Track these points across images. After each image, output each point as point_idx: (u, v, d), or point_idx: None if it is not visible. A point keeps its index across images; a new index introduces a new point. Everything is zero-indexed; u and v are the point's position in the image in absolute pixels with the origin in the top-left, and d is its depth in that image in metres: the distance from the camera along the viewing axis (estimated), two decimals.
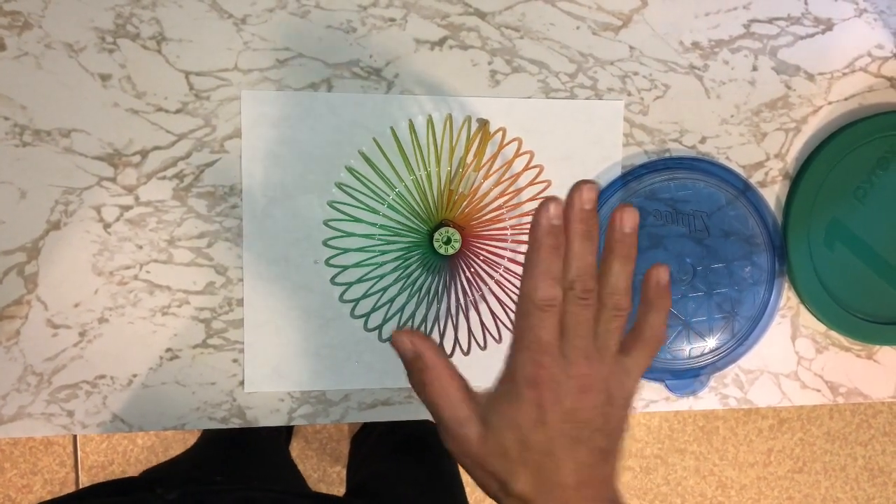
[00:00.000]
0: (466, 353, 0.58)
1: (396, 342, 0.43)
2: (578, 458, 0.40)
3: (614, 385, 0.43)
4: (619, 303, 0.43)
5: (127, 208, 0.54)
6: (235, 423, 0.57)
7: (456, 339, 0.58)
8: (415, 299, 0.57)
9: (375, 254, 0.56)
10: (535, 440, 0.40)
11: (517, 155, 0.57)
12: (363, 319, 0.57)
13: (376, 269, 0.57)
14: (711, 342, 0.61)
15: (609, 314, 0.43)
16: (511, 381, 0.41)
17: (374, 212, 0.56)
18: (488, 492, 0.43)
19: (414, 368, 0.43)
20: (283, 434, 1.36)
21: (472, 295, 0.57)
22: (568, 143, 0.59)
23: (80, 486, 1.46)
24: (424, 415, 0.60)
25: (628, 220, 0.43)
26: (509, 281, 0.58)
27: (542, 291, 0.41)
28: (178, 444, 1.47)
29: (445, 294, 0.57)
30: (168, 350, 0.56)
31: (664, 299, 0.46)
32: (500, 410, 0.41)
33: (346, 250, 0.56)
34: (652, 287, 0.46)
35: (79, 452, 1.45)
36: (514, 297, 0.58)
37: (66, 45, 0.52)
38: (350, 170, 0.56)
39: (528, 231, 0.58)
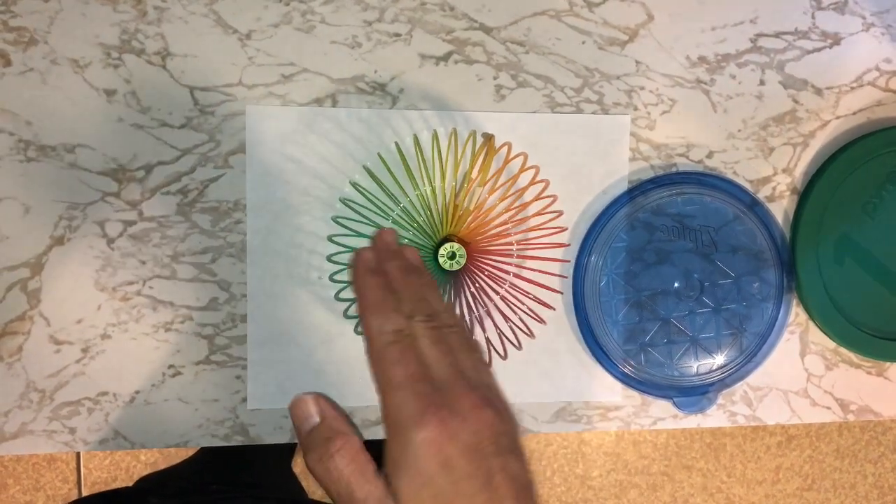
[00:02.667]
0: None
1: (296, 406, 0.38)
2: (506, 495, 0.35)
3: (500, 399, 0.39)
4: (445, 321, 0.40)
5: (130, 224, 0.54)
6: (238, 440, 0.57)
7: None
8: None
9: None
10: (455, 491, 0.34)
11: (522, 170, 0.57)
12: None
13: None
14: (719, 359, 0.60)
15: (445, 332, 0.40)
16: (397, 440, 0.36)
17: (379, 227, 0.55)
18: None
19: (318, 439, 0.38)
20: (286, 449, 1.35)
21: (477, 311, 0.57)
22: (574, 158, 0.58)
23: None
24: None
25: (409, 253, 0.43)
26: (514, 297, 0.57)
27: (387, 323, 0.38)
28: (180, 460, 1.46)
29: None
30: (171, 366, 0.56)
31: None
32: (406, 475, 0.35)
33: (350, 266, 0.56)
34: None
35: (82, 469, 1.45)
36: (520, 313, 0.58)
37: (71, 61, 0.52)
38: (355, 185, 0.56)
39: (534, 246, 0.58)
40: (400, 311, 0.39)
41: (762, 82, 0.60)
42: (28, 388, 0.55)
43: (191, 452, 1.45)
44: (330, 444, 0.37)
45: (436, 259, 0.55)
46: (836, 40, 0.60)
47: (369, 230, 0.56)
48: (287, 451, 1.36)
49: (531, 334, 0.59)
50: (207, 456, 0.98)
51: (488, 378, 0.39)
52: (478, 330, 0.57)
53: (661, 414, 0.62)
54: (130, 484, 1.45)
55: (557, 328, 0.60)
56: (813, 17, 0.60)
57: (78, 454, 1.44)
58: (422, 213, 0.55)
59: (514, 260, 0.57)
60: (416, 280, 0.41)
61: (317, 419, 0.38)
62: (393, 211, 0.55)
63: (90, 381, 0.55)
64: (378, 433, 0.58)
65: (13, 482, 1.43)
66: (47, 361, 0.55)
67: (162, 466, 1.46)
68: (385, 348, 0.38)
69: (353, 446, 0.38)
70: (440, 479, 0.34)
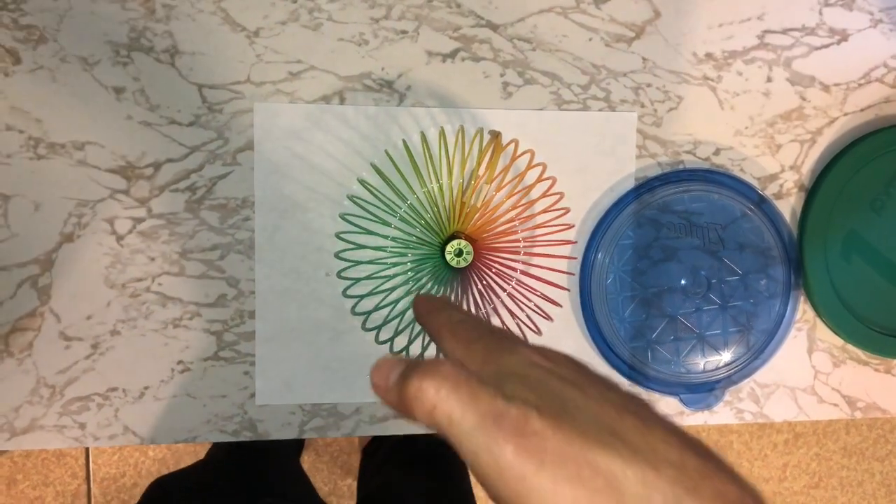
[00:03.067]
0: None
1: (377, 370, 0.35)
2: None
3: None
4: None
5: (139, 220, 0.55)
6: (246, 436, 0.57)
7: None
8: None
9: (387, 266, 0.56)
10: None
11: (529, 167, 0.57)
12: (374, 332, 0.57)
13: (388, 281, 0.56)
14: (726, 356, 0.60)
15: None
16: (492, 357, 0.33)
17: (386, 224, 0.56)
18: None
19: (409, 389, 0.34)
20: (294, 445, 1.35)
21: (484, 308, 0.57)
22: (581, 155, 0.58)
23: (92, 498, 1.46)
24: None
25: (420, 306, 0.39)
26: (521, 293, 0.58)
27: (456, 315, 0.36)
28: (189, 455, 1.47)
29: None
30: (179, 362, 0.56)
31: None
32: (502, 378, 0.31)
33: (357, 263, 0.56)
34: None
35: (91, 464, 1.45)
36: (527, 310, 0.58)
37: (80, 59, 0.53)
38: (362, 182, 0.56)
39: (541, 243, 0.58)
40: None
41: (769, 79, 0.60)
42: (38, 384, 0.55)
43: (201, 454, 1.46)
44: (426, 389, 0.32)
45: (443, 256, 0.55)
46: (843, 36, 0.60)
47: (377, 227, 0.56)
48: (295, 448, 1.37)
49: (538, 331, 0.59)
50: (219, 457, 0.99)
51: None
52: None
53: (668, 411, 0.62)
54: (138, 480, 1.46)
55: (564, 325, 0.60)
56: (820, 13, 0.60)
57: (87, 450, 1.45)
58: (429, 210, 0.55)
59: (521, 257, 0.57)
60: (438, 311, 0.39)
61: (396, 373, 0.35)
62: (400, 208, 0.55)
63: (100, 376, 0.56)
64: (386, 429, 0.59)
65: (23, 477, 1.44)
66: (57, 357, 0.55)
67: (170, 462, 1.47)
68: (458, 325, 0.36)
69: (446, 375, 0.32)
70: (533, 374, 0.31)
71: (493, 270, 0.57)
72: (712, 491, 0.28)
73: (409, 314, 0.57)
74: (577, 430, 0.28)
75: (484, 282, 0.57)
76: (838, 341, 0.63)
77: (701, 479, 0.28)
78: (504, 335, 0.34)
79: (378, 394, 0.34)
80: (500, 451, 0.28)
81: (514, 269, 0.57)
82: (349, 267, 0.56)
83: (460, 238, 0.55)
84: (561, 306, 0.59)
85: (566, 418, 0.29)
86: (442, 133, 0.56)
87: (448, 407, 0.30)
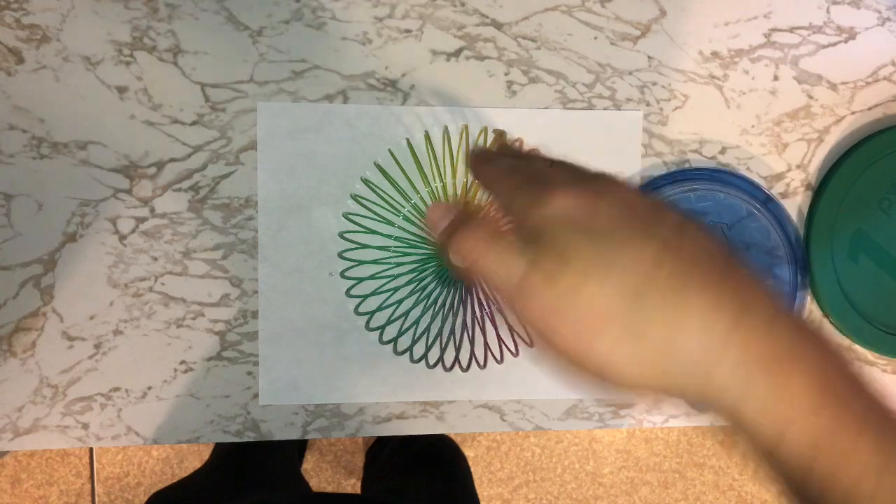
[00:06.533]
0: (483, 367, 0.58)
1: (432, 211, 0.39)
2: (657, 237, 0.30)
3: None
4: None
5: (142, 220, 0.54)
6: (250, 436, 0.57)
7: (472, 353, 0.57)
8: (430, 312, 0.57)
9: (391, 266, 0.56)
10: (597, 226, 0.31)
11: None
12: (378, 332, 0.57)
13: (391, 280, 0.56)
14: None
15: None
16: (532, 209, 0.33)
17: (390, 223, 0.55)
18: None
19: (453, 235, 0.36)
20: (296, 451, 1.35)
21: (489, 307, 0.57)
22: (586, 154, 0.58)
23: (96, 497, 1.46)
24: (440, 428, 0.59)
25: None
26: None
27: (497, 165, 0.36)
28: (192, 455, 1.47)
29: (461, 307, 0.57)
30: (182, 362, 0.56)
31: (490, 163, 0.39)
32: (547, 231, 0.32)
33: (361, 262, 0.56)
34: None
35: (95, 464, 1.46)
36: None
37: (83, 58, 0.53)
38: (366, 181, 0.56)
39: None
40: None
41: (776, 77, 0.59)
42: (41, 384, 0.55)
43: (204, 454, 1.46)
44: (467, 235, 0.35)
45: (447, 255, 0.55)
46: (851, 35, 0.60)
47: (380, 226, 0.56)
48: (297, 452, 1.36)
49: None
50: (219, 459, 0.99)
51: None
52: (489, 327, 0.57)
53: (674, 411, 0.61)
54: (142, 479, 1.46)
55: None
56: (828, 11, 0.59)
57: (91, 449, 1.45)
58: None
59: None
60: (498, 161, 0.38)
61: (445, 220, 0.38)
62: (404, 207, 0.55)
63: (103, 376, 0.55)
64: (390, 429, 0.58)
65: (27, 477, 1.44)
66: (60, 357, 0.55)
67: (174, 462, 1.47)
68: (498, 179, 0.36)
69: (485, 228, 0.35)
70: (583, 220, 0.31)
71: None
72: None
73: (413, 314, 0.57)
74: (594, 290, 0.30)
75: None
76: (845, 341, 0.63)
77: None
78: (546, 179, 0.34)
79: (429, 227, 0.41)
80: (520, 309, 0.32)
81: None
82: (352, 266, 0.56)
83: None
84: None
85: (586, 281, 0.30)
86: (446, 132, 0.56)
87: (483, 266, 0.34)
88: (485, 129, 0.56)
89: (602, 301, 0.30)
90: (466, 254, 0.35)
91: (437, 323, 0.57)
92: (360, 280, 0.56)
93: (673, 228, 0.31)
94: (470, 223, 0.35)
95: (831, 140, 0.61)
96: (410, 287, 0.56)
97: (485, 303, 0.57)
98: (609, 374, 0.31)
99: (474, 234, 0.35)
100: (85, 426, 0.56)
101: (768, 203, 0.59)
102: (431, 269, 0.56)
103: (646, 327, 0.29)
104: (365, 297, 0.56)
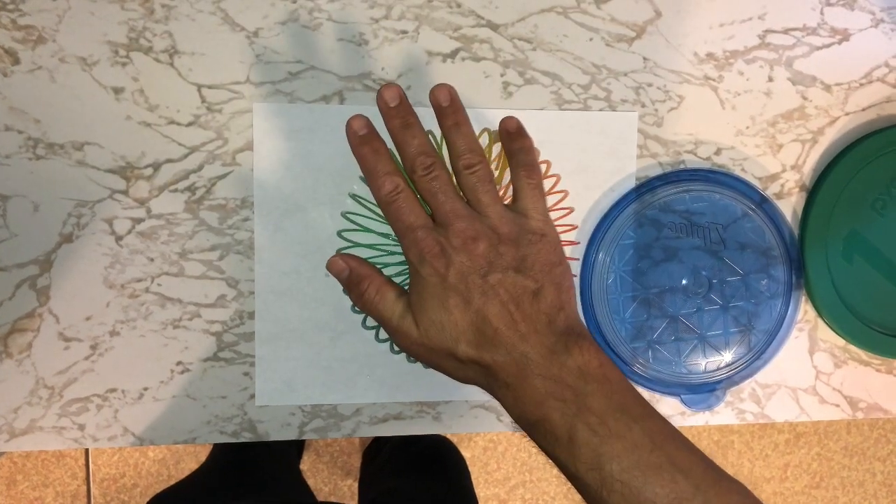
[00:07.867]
0: None
1: (332, 265, 0.51)
2: (500, 301, 0.45)
3: (507, 228, 0.48)
4: (468, 162, 0.50)
5: (139, 221, 0.54)
6: (246, 437, 0.57)
7: None
8: None
9: (387, 265, 0.56)
10: (451, 304, 0.45)
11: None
12: (374, 330, 0.57)
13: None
14: (727, 356, 0.60)
15: (464, 175, 0.49)
16: (412, 271, 0.48)
17: (387, 223, 0.55)
18: (450, 373, 0.48)
19: (352, 284, 0.50)
20: (294, 450, 1.35)
21: None
22: (581, 155, 0.58)
23: (92, 499, 1.46)
24: (437, 429, 0.59)
25: (441, 95, 0.51)
26: None
27: (384, 186, 0.48)
28: (189, 456, 1.47)
29: None
30: (179, 363, 0.56)
31: (520, 140, 0.53)
32: (416, 295, 0.47)
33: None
34: (505, 136, 0.53)
35: (91, 465, 1.45)
36: None
37: (79, 59, 0.53)
38: (363, 180, 0.56)
39: None
40: (396, 172, 0.49)
41: (771, 79, 0.60)
42: (37, 385, 0.55)
43: (201, 455, 1.45)
44: (360, 285, 0.50)
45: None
46: (845, 36, 0.60)
47: (378, 226, 0.56)
48: (295, 452, 1.36)
49: None
50: (216, 461, 0.99)
51: (498, 211, 0.49)
52: None
53: (669, 411, 0.61)
54: (138, 480, 1.46)
55: None
56: (822, 13, 0.59)
57: (87, 450, 1.45)
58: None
59: None
60: (413, 132, 0.50)
61: (347, 270, 0.51)
62: None
63: (99, 377, 0.55)
64: (386, 429, 0.59)
65: (22, 478, 1.44)
66: (56, 358, 0.55)
67: (170, 463, 1.46)
68: (388, 207, 0.49)
69: (377, 282, 0.50)
70: (442, 298, 0.46)
71: None
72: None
73: None
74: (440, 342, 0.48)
75: None
76: (840, 341, 0.63)
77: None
78: (441, 222, 0.49)
79: (332, 274, 0.53)
80: (397, 340, 0.51)
81: None
82: None
83: None
84: None
85: (431, 328, 0.47)
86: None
87: (372, 312, 0.51)
88: (484, 131, 0.56)
89: (442, 339, 0.47)
90: (361, 305, 0.51)
91: None
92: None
93: (483, 294, 0.46)
94: (362, 280, 0.51)
95: (825, 141, 0.61)
96: (408, 286, 0.56)
97: None
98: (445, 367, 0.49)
99: (364, 290, 0.50)
100: (81, 427, 0.56)
101: (763, 204, 0.59)
102: None
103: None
104: None
